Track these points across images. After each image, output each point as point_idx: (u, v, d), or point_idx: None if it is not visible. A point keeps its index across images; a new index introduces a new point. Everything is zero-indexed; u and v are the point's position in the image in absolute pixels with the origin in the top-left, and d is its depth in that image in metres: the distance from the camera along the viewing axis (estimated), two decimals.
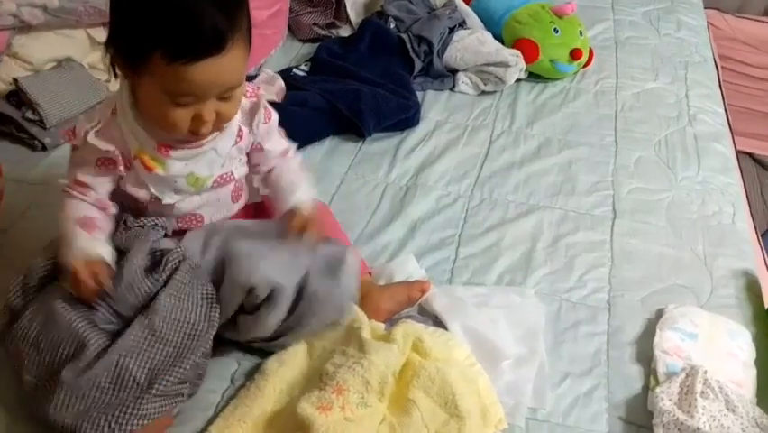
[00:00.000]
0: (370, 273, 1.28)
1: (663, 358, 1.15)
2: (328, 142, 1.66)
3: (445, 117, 1.78)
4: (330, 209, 1.35)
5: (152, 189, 1.08)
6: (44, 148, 1.57)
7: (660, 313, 1.26)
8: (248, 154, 1.16)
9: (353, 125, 1.66)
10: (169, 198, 1.09)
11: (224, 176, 1.12)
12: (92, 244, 1.03)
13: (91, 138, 1.02)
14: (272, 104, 1.19)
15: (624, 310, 1.28)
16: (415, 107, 1.73)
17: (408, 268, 1.31)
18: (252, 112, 1.10)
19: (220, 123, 1.02)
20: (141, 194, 1.09)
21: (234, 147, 1.11)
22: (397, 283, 1.26)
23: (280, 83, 1.73)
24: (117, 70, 1.02)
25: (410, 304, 1.23)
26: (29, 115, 1.58)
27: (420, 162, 1.62)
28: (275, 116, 1.15)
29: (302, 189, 1.16)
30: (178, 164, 1.06)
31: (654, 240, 1.45)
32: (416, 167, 1.60)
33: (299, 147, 1.57)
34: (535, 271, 1.35)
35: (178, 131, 1.00)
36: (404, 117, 1.70)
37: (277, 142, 1.17)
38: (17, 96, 1.60)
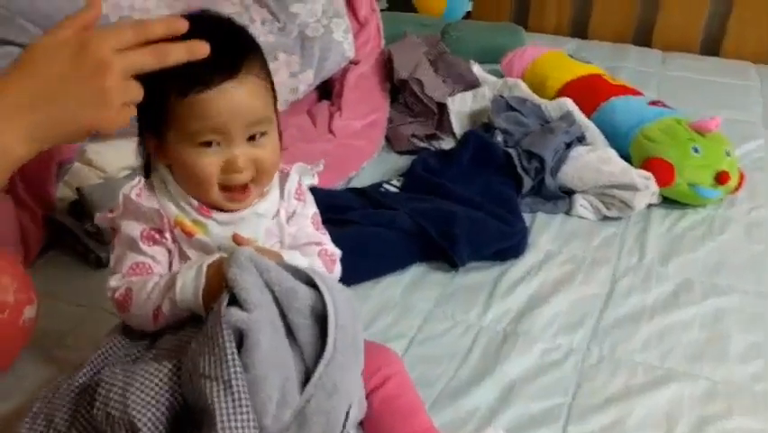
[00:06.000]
0: None
1: None
2: (413, 271, 1.40)
3: (558, 247, 1.49)
4: (400, 360, 1.07)
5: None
6: (99, 263, 1.42)
7: None
8: None
9: (445, 253, 1.40)
10: None
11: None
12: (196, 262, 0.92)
13: (134, 197, 0.94)
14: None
15: None
16: (520, 234, 1.45)
17: None
18: (282, 181, 1.01)
19: (261, 176, 0.93)
20: None
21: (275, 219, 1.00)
22: None
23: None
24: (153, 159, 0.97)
25: None
26: (88, 227, 1.44)
27: (524, 303, 1.32)
28: (309, 198, 1.03)
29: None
30: (219, 228, 0.95)
31: None
32: (517, 309, 1.31)
33: (379, 275, 1.37)
34: None
35: (210, 183, 0.91)
36: (506, 246, 1.43)
37: (307, 228, 1.02)
38: (82, 206, 1.48)
